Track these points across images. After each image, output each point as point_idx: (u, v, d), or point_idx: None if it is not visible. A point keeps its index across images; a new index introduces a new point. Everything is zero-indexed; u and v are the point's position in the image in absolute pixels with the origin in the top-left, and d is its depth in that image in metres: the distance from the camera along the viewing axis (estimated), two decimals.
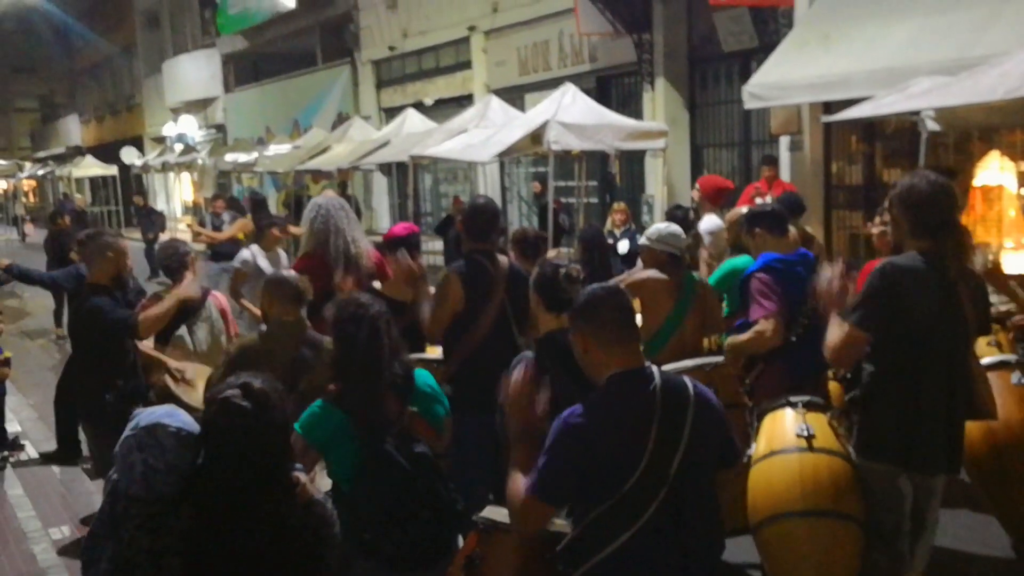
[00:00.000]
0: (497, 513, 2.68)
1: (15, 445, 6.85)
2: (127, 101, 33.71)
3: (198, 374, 4.56)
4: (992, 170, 7.98)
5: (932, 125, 6.28)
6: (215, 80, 25.86)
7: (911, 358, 3.12)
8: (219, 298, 5.09)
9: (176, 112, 27.60)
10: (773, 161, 9.50)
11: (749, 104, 8.61)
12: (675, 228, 4.71)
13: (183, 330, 4.80)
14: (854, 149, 9.47)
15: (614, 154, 10.18)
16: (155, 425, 2.37)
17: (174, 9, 28.46)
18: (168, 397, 4.31)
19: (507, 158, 11.38)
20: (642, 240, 4.78)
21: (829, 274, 3.26)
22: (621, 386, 2.43)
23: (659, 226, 4.78)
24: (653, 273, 4.59)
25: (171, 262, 4.94)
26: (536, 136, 9.48)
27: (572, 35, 12.71)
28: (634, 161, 11.85)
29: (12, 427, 7.18)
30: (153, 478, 2.33)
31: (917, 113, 6.35)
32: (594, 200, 12.77)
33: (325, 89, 20.39)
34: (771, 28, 10.00)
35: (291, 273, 4.15)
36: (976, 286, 3.32)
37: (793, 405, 3.47)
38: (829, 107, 8.32)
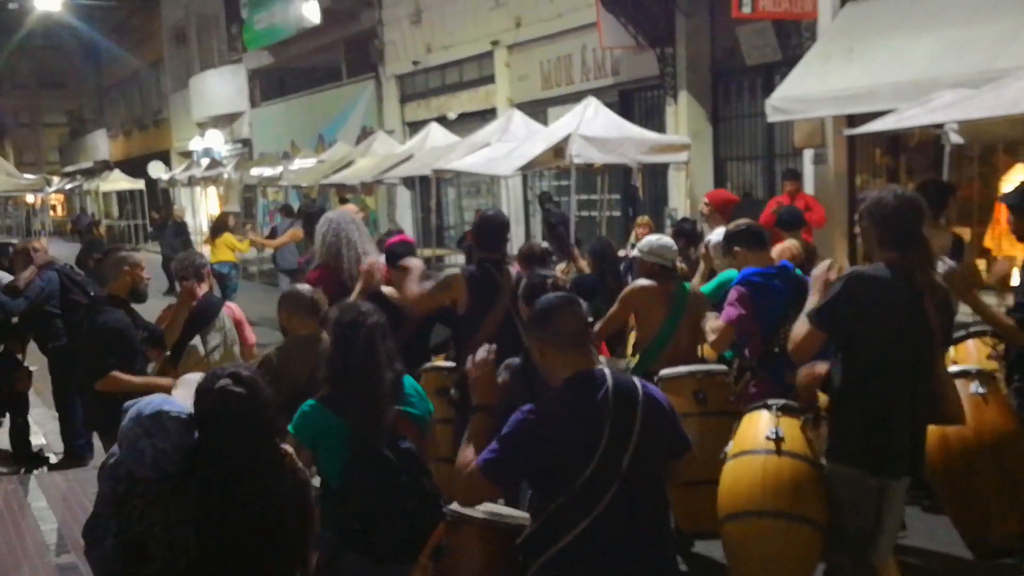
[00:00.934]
0: (460, 507, 2.82)
1: (39, 458, 6.93)
2: (154, 116, 34.17)
3: None
4: (1017, 183, 7.90)
5: (956, 138, 6.25)
6: (241, 95, 26.15)
7: (877, 365, 3.24)
8: (233, 308, 5.18)
9: (203, 127, 27.94)
10: (796, 175, 9.47)
11: (772, 117, 8.59)
12: (666, 241, 4.88)
13: (196, 340, 4.88)
14: (878, 162, 9.41)
15: (637, 168, 10.18)
16: (158, 412, 2.67)
17: (201, 25, 28.86)
18: None
19: (530, 172, 11.42)
20: (634, 252, 4.96)
21: (825, 265, 3.47)
22: (576, 388, 2.60)
23: (651, 238, 4.94)
24: (646, 282, 4.75)
25: (186, 274, 5.04)
26: (558, 150, 9.51)
27: (595, 49, 12.74)
28: (657, 175, 11.84)
29: (36, 439, 7.27)
30: (163, 459, 2.62)
31: (941, 126, 6.31)
32: (616, 214, 12.76)
33: (349, 104, 20.56)
34: (794, 41, 9.97)
35: (305, 287, 4.29)
36: (941, 298, 3.41)
37: (769, 407, 3.61)
38: (853, 120, 8.29)
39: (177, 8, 30.06)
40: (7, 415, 7.01)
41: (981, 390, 3.83)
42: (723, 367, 4.43)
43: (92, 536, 2.78)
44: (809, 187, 9.57)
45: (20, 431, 6.94)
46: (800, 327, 3.36)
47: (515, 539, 2.68)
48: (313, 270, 5.32)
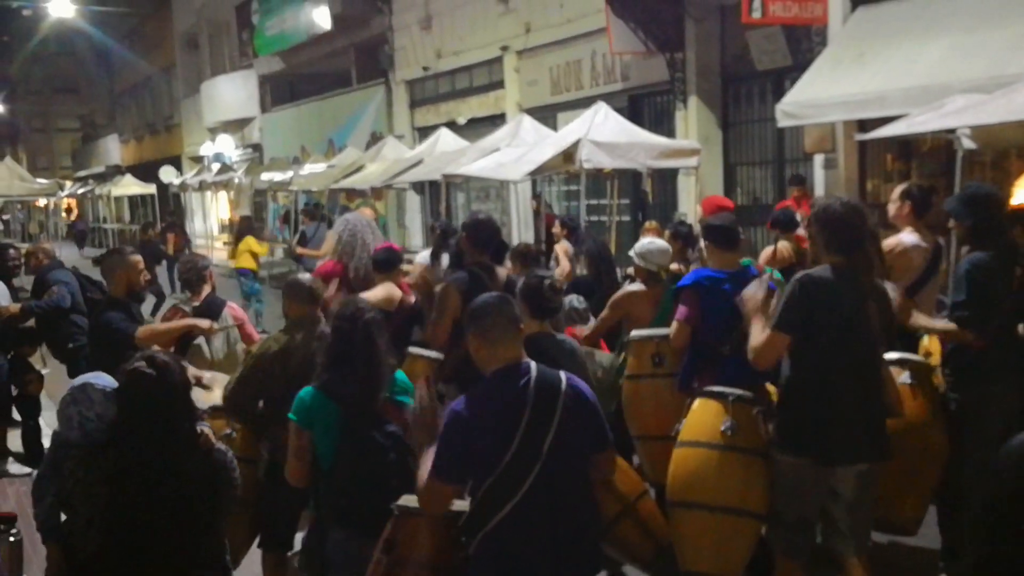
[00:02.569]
0: (411, 500, 3.03)
1: None
2: (166, 121, 34.34)
3: (216, 381, 4.77)
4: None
5: (968, 143, 6.23)
6: (252, 100, 26.26)
7: (823, 362, 3.46)
8: (235, 309, 5.30)
9: (214, 132, 28.07)
10: (801, 180, 9.54)
11: (783, 122, 8.58)
12: (656, 245, 5.11)
13: (201, 340, 5.03)
14: (889, 167, 9.38)
15: (646, 172, 10.17)
16: (85, 384, 3.07)
17: (212, 31, 29.00)
18: None
19: (539, 176, 11.42)
20: (631, 253, 5.21)
21: (755, 286, 3.71)
22: (500, 378, 2.86)
23: (644, 242, 5.20)
24: (636, 287, 5.04)
25: (190, 276, 5.24)
26: (568, 155, 9.51)
27: (604, 54, 12.75)
28: (667, 180, 11.84)
29: (48, 442, 7.30)
30: (87, 425, 3.01)
31: (953, 131, 6.29)
32: (626, 218, 12.76)
33: (360, 109, 20.63)
34: (805, 46, 9.96)
35: (305, 276, 4.59)
36: (882, 300, 3.64)
37: (725, 397, 3.78)
38: (863, 125, 8.27)
39: (189, 14, 30.23)
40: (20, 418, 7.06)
41: (905, 379, 4.02)
42: None
43: (36, 494, 3.25)
44: (820, 192, 9.54)
45: (32, 433, 6.97)
46: (757, 335, 3.56)
47: (455, 526, 2.92)
48: (325, 262, 5.67)
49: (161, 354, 3.03)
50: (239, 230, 14.45)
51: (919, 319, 4.24)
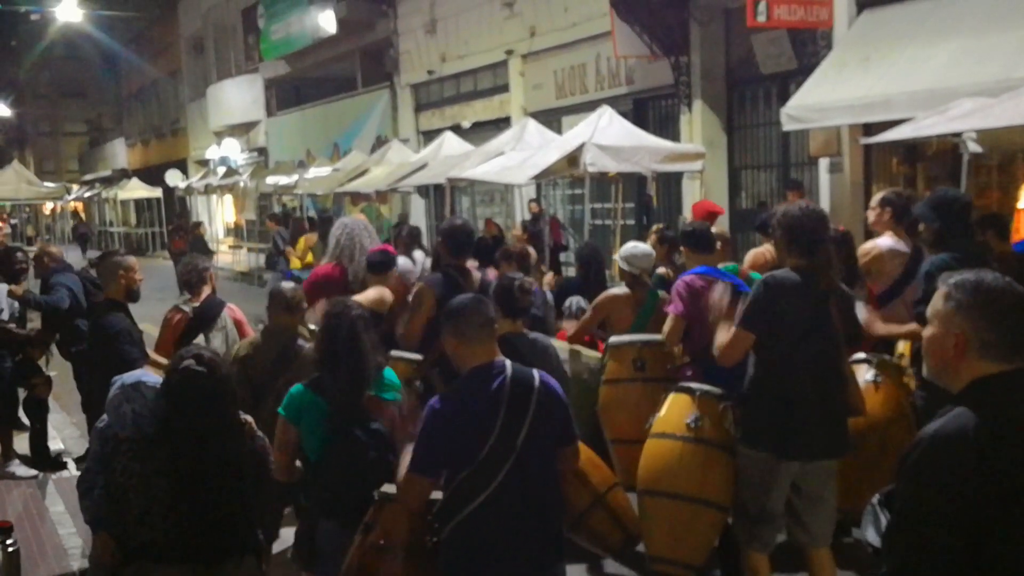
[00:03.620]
0: (391, 488, 3.21)
1: (58, 462, 6.96)
2: (172, 125, 34.43)
3: None
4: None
5: (974, 147, 6.20)
6: (257, 104, 26.32)
7: (785, 359, 3.62)
8: (234, 310, 5.37)
9: (219, 136, 28.12)
10: (798, 185, 9.63)
11: (788, 126, 8.56)
12: (640, 249, 5.25)
13: (200, 339, 5.11)
14: (895, 171, 9.35)
15: (651, 176, 10.16)
16: (138, 383, 3.18)
17: (218, 35, 29.08)
18: None
19: (544, 180, 11.42)
20: (616, 256, 5.39)
21: (721, 290, 3.89)
22: (478, 376, 2.99)
23: (628, 246, 5.34)
24: (618, 290, 5.23)
25: (190, 277, 5.38)
26: (572, 158, 9.50)
27: (609, 58, 12.75)
28: (671, 183, 11.82)
29: (55, 445, 7.31)
30: (140, 421, 3.11)
31: (959, 135, 6.27)
32: (631, 222, 12.75)
33: (364, 113, 20.65)
34: (810, 50, 9.94)
35: (288, 285, 4.79)
36: (844, 301, 3.79)
37: (692, 392, 3.99)
38: (869, 129, 8.24)
39: (195, 19, 30.32)
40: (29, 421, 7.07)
41: (869, 377, 4.15)
42: (659, 337, 4.73)
43: (84, 487, 3.36)
44: (825, 196, 9.52)
45: (39, 436, 6.98)
46: (723, 334, 3.74)
47: (430, 512, 3.08)
48: (322, 266, 5.84)
49: (207, 350, 3.21)
50: (294, 231, 14.88)
51: (880, 328, 4.39)
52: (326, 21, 20.01)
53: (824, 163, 9.63)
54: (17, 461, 6.92)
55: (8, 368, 6.75)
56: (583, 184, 10.33)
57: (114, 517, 3.15)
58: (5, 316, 6.73)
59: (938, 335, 2.03)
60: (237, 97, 26.78)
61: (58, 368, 7.30)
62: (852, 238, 5.44)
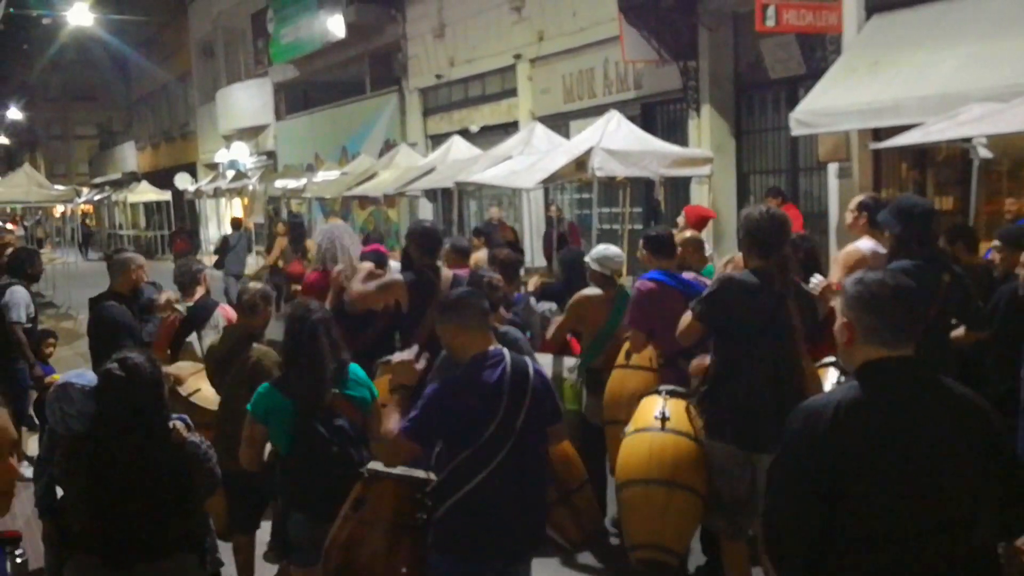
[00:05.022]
0: (378, 466, 3.42)
1: None
2: (181, 129, 34.55)
3: (181, 369, 5.08)
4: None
5: (984, 152, 6.17)
6: (267, 108, 26.38)
7: (744, 356, 3.85)
8: (227, 309, 5.54)
9: (228, 139, 28.20)
10: (779, 192, 9.75)
11: (796, 131, 8.53)
12: (610, 251, 5.47)
13: (193, 337, 5.32)
14: (904, 176, 9.31)
15: (659, 181, 10.14)
16: (66, 383, 3.36)
17: (228, 39, 29.18)
18: (177, 398, 4.72)
19: (551, 185, 11.40)
20: (587, 258, 5.62)
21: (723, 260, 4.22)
22: (480, 364, 3.22)
23: (599, 248, 5.59)
24: (591, 291, 5.43)
25: (184, 279, 5.60)
26: (580, 163, 9.49)
27: (617, 62, 12.73)
28: (679, 188, 11.79)
29: None
30: (69, 420, 3.29)
31: (969, 140, 6.23)
32: (639, 227, 12.71)
33: (373, 117, 20.68)
34: (819, 55, 9.91)
35: (254, 286, 4.97)
36: (804, 300, 4.01)
37: (659, 392, 4.31)
38: (878, 134, 8.21)
39: (205, 23, 30.43)
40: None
41: (834, 380, 4.25)
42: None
43: (36, 474, 3.81)
44: (833, 201, 9.48)
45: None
46: (684, 319, 4.08)
47: (418, 490, 3.31)
48: (311, 273, 6.15)
49: (134, 355, 3.31)
50: (270, 235, 15.41)
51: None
52: (335, 25, 20.06)
53: (833, 168, 9.59)
54: (26, 463, 6.94)
55: (20, 370, 6.78)
56: (591, 188, 10.31)
57: (58, 504, 3.42)
58: (23, 317, 6.77)
59: (838, 324, 2.39)
60: (246, 101, 26.85)
61: (67, 370, 7.31)
62: (812, 240, 5.63)
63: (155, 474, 3.20)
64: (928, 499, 2.19)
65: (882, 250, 4.96)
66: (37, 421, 7.08)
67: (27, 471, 6.81)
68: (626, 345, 4.98)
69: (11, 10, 25.87)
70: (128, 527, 3.16)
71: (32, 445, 7.12)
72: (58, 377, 6.80)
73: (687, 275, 5.16)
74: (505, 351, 3.29)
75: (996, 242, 5.35)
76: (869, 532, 2.19)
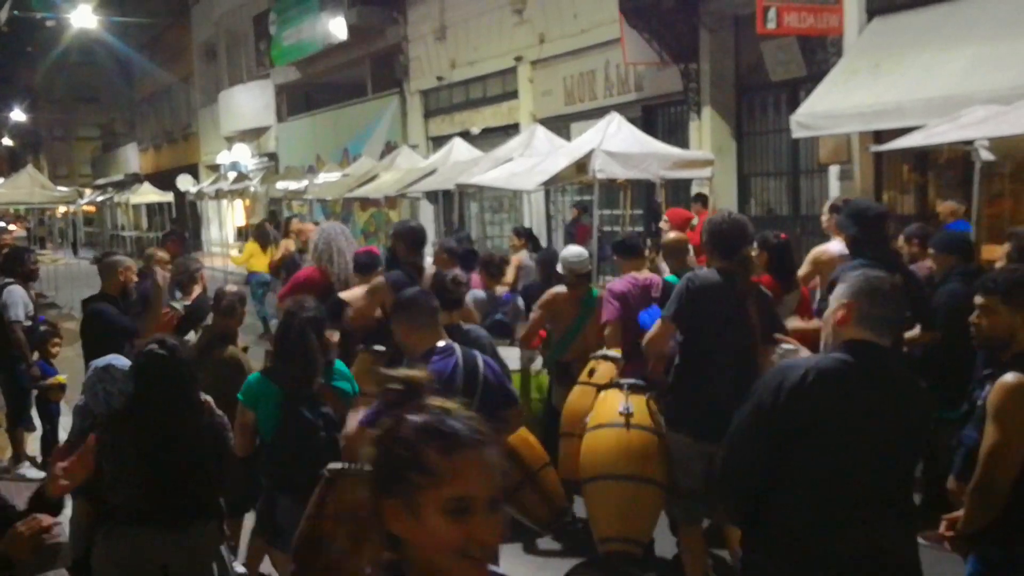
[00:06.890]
0: (338, 467, 3.49)
1: None
2: (184, 130, 34.58)
3: None
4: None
5: (986, 155, 6.14)
6: (268, 110, 26.41)
7: (705, 352, 4.04)
8: None
9: (230, 141, 28.21)
10: (702, 199, 10.24)
11: (797, 133, 8.52)
12: (574, 252, 5.70)
13: (191, 335, 5.40)
14: (906, 179, 9.29)
15: (660, 183, 10.13)
16: (108, 365, 3.70)
17: (230, 41, 29.20)
18: None
19: (552, 187, 11.39)
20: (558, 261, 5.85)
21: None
22: (432, 356, 3.42)
23: (569, 249, 5.86)
24: (560, 289, 5.66)
25: (182, 278, 5.83)
26: (581, 165, 9.47)
27: (618, 65, 12.72)
28: (680, 190, 11.78)
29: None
30: (111, 399, 3.62)
31: (971, 142, 6.21)
32: (640, 229, 12.70)
33: (374, 118, 20.69)
34: (820, 57, 9.89)
35: (232, 288, 5.17)
36: (763, 300, 4.20)
37: (621, 386, 4.43)
38: (880, 136, 8.19)
39: (208, 25, 30.47)
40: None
41: None
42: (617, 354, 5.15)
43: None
44: None
45: (49, 438, 6.99)
46: (654, 327, 4.22)
47: None
48: (304, 269, 6.32)
49: (169, 337, 3.61)
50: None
51: (793, 321, 4.80)
52: (337, 27, 20.07)
53: (834, 171, 9.57)
54: (27, 463, 6.94)
55: (22, 370, 6.77)
56: (592, 191, 10.30)
57: (89, 484, 3.47)
58: (21, 316, 6.74)
59: (833, 308, 2.67)
60: (248, 102, 26.88)
61: (70, 371, 7.31)
62: (789, 245, 5.78)
63: (198, 443, 3.45)
64: (868, 461, 2.53)
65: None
66: (39, 423, 7.08)
67: (29, 472, 6.82)
68: (591, 364, 5.13)
69: (15, 12, 25.93)
70: (176, 494, 3.38)
71: (32, 445, 7.11)
72: (62, 379, 6.91)
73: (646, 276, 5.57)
74: (456, 345, 3.50)
75: (930, 249, 5.53)
76: (810, 480, 2.51)
